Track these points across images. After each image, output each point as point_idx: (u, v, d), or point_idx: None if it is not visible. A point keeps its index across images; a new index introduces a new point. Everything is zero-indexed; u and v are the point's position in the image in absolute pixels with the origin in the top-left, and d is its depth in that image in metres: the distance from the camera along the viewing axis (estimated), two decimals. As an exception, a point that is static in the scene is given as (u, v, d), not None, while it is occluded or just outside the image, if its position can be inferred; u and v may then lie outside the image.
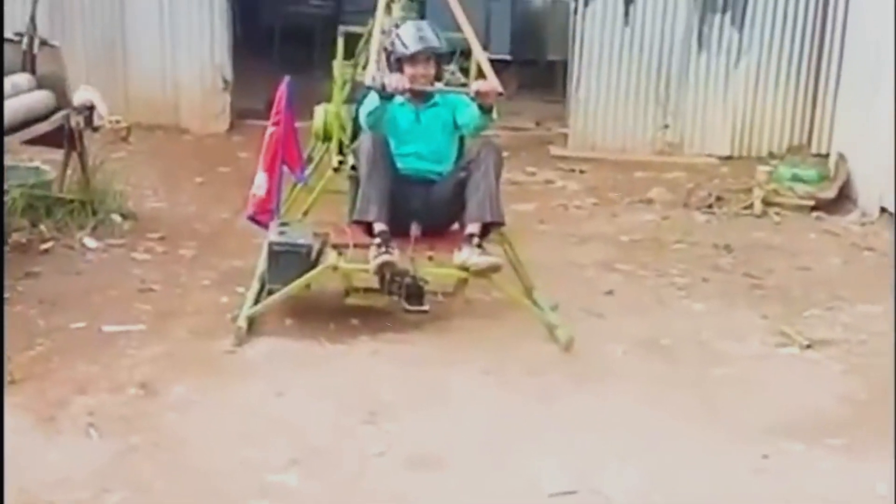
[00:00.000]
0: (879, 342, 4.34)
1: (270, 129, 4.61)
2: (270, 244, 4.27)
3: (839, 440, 3.49)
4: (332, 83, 5.03)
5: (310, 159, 5.40)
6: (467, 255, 4.16)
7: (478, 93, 4.13)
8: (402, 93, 4.19)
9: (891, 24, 6.15)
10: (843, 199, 6.46)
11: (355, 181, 4.36)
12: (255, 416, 3.50)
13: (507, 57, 9.84)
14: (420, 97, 4.36)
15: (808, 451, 3.42)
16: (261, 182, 4.57)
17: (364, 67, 5.26)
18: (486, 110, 4.15)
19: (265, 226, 4.55)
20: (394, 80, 4.12)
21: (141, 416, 3.44)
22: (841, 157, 6.81)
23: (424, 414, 3.56)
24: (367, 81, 4.17)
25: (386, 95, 4.12)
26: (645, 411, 3.65)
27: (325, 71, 5.92)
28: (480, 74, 4.49)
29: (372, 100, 4.19)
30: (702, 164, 7.47)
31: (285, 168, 4.72)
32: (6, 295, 4.32)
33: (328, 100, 5.03)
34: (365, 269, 4.16)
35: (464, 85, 4.70)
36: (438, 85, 4.39)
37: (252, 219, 4.67)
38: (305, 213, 4.90)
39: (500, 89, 4.15)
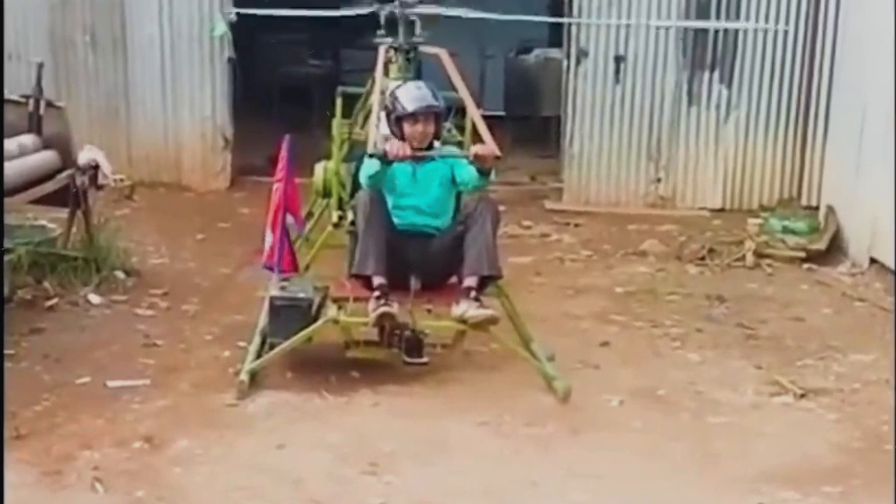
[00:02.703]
0: (872, 391, 4.41)
1: (276, 186, 4.67)
2: (272, 299, 4.34)
3: (835, 488, 3.53)
4: (331, 141, 5.15)
5: (310, 215, 5.50)
6: (465, 308, 4.23)
7: (476, 156, 4.24)
8: (404, 160, 4.28)
9: (878, 77, 6.31)
10: (833, 251, 6.55)
11: (354, 236, 4.44)
12: (257, 468, 3.53)
13: (502, 113, 10.03)
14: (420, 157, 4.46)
15: (803, 500, 3.46)
16: (269, 237, 4.62)
17: (362, 127, 5.39)
18: (484, 172, 4.27)
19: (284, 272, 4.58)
20: (395, 147, 4.23)
21: (145, 470, 3.48)
22: (830, 209, 6.92)
23: (424, 465, 3.60)
24: (370, 149, 4.27)
25: (387, 162, 4.23)
26: (641, 461, 3.69)
27: (323, 129, 6.05)
28: (475, 131, 4.60)
29: (373, 164, 4.29)
30: (694, 217, 7.59)
31: (291, 221, 4.76)
32: (12, 351, 4.39)
33: (327, 157, 5.14)
34: (365, 321, 4.23)
35: (460, 143, 4.82)
36: (437, 144, 4.50)
37: (267, 268, 4.69)
38: (306, 268, 4.98)
39: (497, 153, 4.25)
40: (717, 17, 7.60)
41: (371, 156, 4.24)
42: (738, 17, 7.59)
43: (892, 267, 5.89)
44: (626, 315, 5.38)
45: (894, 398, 4.21)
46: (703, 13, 7.60)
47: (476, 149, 4.31)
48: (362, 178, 4.38)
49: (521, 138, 9.53)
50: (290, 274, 4.57)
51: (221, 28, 7.72)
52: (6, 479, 3.13)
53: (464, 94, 4.65)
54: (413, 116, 4.38)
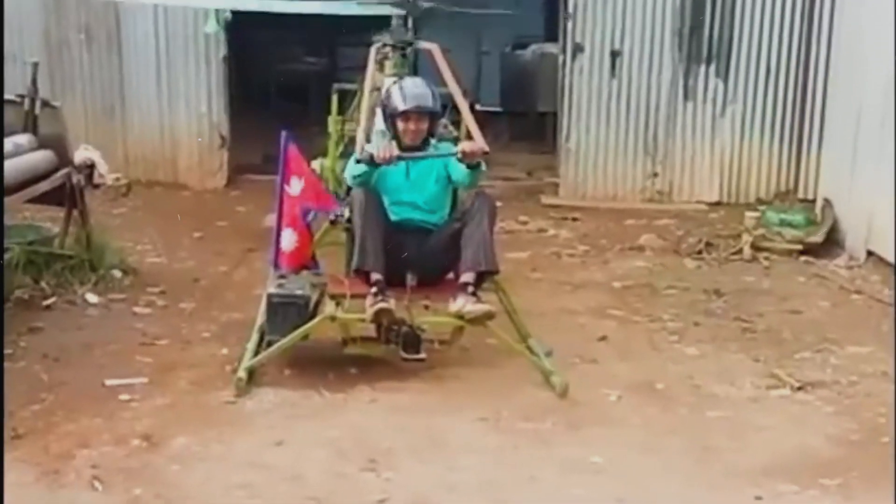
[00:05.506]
0: (869, 383, 4.41)
1: (287, 188, 4.59)
2: (269, 296, 4.34)
3: (833, 481, 3.53)
4: (328, 138, 5.15)
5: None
6: (462, 304, 4.23)
7: (464, 153, 4.23)
8: (391, 162, 4.25)
9: (874, 69, 6.31)
10: (830, 244, 6.56)
11: (351, 233, 4.44)
12: (255, 466, 3.53)
13: (498, 109, 10.04)
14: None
15: (802, 493, 3.46)
16: (290, 238, 4.57)
17: (358, 123, 5.39)
18: (473, 167, 4.26)
19: (310, 268, 4.58)
20: (382, 151, 4.21)
21: (144, 468, 3.48)
22: (827, 202, 6.93)
23: (423, 461, 3.60)
24: (357, 154, 4.25)
25: (374, 165, 4.22)
26: (640, 455, 3.69)
27: (320, 126, 6.05)
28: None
29: (359, 166, 4.27)
30: (691, 211, 7.60)
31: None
32: (10, 351, 4.38)
33: (324, 154, 5.14)
34: (362, 318, 4.23)
35: (455, 139, 4.82)
36: (431, 142, 4.49)
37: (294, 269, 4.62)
38: (304, 265, 4.97)
39: (485, 149, 4.24)
40: (713, 14, 7.61)
41: (359, 161, 4.23)
42: (733, 13, 7.60)
43: (890, 259, 5.90)
44: (624, 309, 5.39)
45: (894, 392, 4.21)
46: (698, 10, 7.61)
47: (463, 145, 4.31)
48: (348, 178, 4.38)
49: (518, 134, 9.54)
50: (311, 265, 4.54)
51: (213, 26, 7.71)
52: (4, 479, 3.13)
53: (454, 89, 4.64)
54: (406, 114, 4.38)
